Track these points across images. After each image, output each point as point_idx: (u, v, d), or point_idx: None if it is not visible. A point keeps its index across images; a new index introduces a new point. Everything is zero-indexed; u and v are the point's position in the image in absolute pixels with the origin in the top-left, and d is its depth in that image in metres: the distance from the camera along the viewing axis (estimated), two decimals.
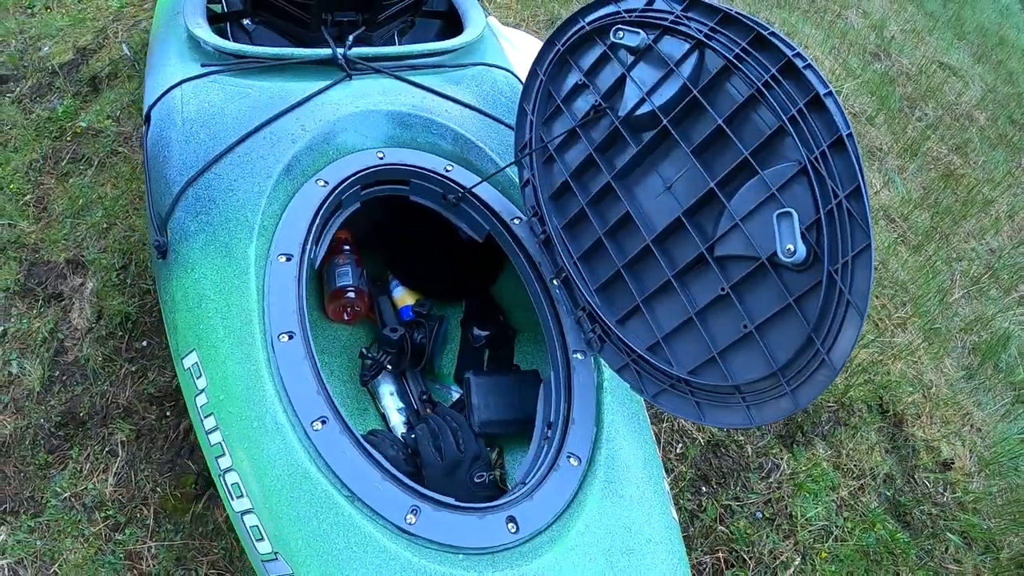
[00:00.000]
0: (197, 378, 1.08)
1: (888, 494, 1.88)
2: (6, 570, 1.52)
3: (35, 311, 1.94)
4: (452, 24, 1.89)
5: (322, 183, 1.23)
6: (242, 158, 1.22)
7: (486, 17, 2.10)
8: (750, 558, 1.64)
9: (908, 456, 1.99)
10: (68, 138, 2.42)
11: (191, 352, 1.10)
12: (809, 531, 1.72)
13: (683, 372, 0.96)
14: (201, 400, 1.07)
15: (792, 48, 0.87)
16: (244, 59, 1.41)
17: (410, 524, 0.89)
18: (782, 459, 1.83)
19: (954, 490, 1.94)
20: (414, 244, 1.55)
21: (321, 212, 1.19)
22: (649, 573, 0.92)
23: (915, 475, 1.96)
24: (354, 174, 1.25)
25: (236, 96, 1.33)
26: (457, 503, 0.93)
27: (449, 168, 1.32)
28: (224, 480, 1.02)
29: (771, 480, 1.79)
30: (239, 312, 1.06)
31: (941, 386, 2.20)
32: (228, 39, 1.93)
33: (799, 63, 0.85)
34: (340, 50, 1.40)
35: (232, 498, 1.00)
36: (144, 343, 1.82)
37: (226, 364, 1.04)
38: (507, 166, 1.28)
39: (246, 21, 1.94)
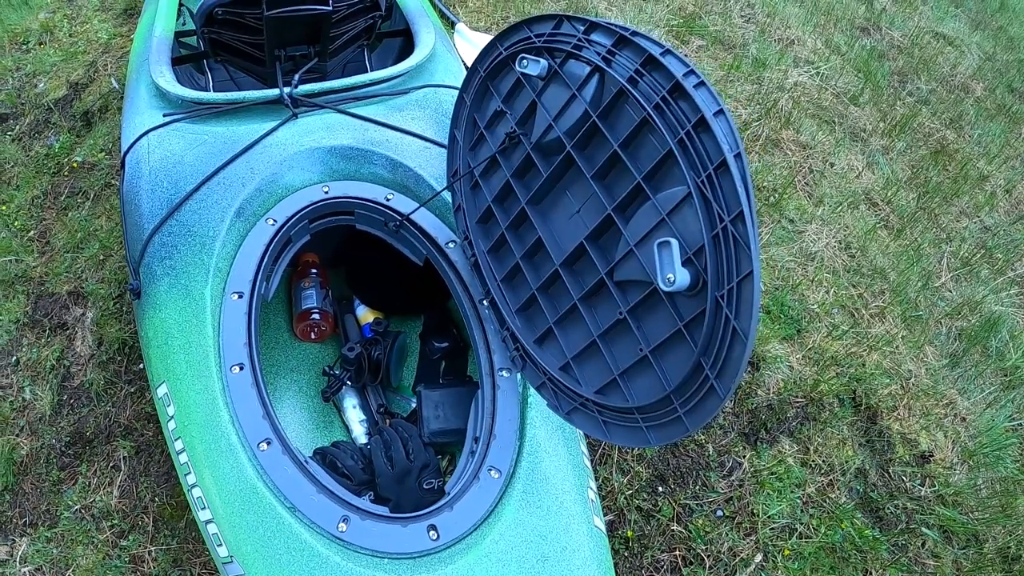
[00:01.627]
0: (167, 406, 1.22)
1: (859, 489, 1.89)
2: None
3: (43, 341, 2.11)
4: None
5: (271, 222, 1.35)
6: (199, 204, 1.35)
7: (457, 23, 2.17)
8: (708, 556, 1.70)
9: (883, 450, 1.99)
10: (65, 173, 2.57)
11: (162, 383, 1.24)
12: (771, 529, 1.76)
13: (590, 392, 1.04)
14: (171, 425, 1.21)
15: (685, 66, 0.89)
16: (202, 105, 1.52)
17: (341, 532, 1.01)
18: (744, 457, 1.87)
19: (933, 483, 1.93)
20: (370, 266, 1.67)
21: (270, 250, 1.30)
22: None
23: (889, 469, 1.97)
24: (301, 210, 1.37)
25: (194, 144, 1.46)
26: (384, 513, 1.05)
27: (389, 197, 1.42)
28: (191, 493, 1.16)
29: (732, 479, 1.84)
30: (198, 347, 1.19)
31: (921, 376, 2.20)
32: (202, 78, 2.04)
33: (689, 82, 0.87)
34: (287, 90, 1.50)
35: (198, 509, 1.15)
36: (140, 366, 1.97)
37: (188, 394, 1.18)
38: (438, 193, 1.38)
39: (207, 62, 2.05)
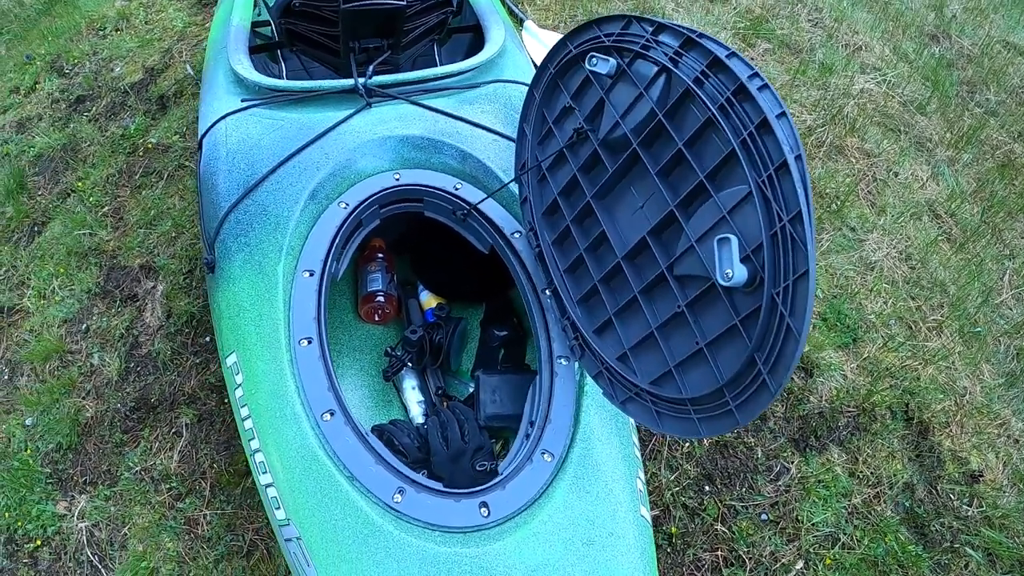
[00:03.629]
0: (236, 375, 1.29)
1: (906, 504, 1.87)
2: (84, 531, 1.79)
3: (113, 311, 2.23)
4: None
5: (344, 205, 1.41)
6: (275, 185, 1.42)
7: (526, 20, 2.19)
8: (749, 558, 1.71)
9: (932, 466, 1.96)
10: (140, 153, 2.71)
11: (232, 353, 1.31)
12: (814, 536, 1.76)
13: (645, 383, 1.07)
14: (238, 393, 1.28)
15: (749, 69, 0.91)
16: (279, 92, 1.59)
17: (396, 503, 1.06)
18: (792, 463, 1.87)
19: (981, 504, 1.89)
20: (436, 253, 1.72)
21: (342, 231, 1.36)
22: (607, 564, 1.05)
23: (938, 486, 1.93)
24: (372, 195, 1.42)
25: (271, 128, 1.53)
26: (439, 488, 1.09)
27: (458, 186, 1.47)
28: (254, 459, 1.22)
29: (779, 483, 1.84)
30: (269, 321, 1.26)
31: (976, 393, 2.15)
32: (275, 67, 2.12)
33: (753, 85, 0.89)
34: (361, 80, 1.56)
35: (259, 473, 1.21)
36: (207, 339, 2.07)
37: (257, 364, 1.25)
38: (506, 184, 1.42)
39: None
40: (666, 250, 1.07)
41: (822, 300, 2.23)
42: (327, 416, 1.16)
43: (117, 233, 2.47)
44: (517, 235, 1.41)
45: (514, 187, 1.45)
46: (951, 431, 2.05)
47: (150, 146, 2.70)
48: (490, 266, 1.56)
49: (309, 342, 1.23)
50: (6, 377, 2.20)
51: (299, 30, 1.75)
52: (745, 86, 0.89)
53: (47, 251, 2.48)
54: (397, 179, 1.47)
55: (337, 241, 1.36)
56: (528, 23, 2.73)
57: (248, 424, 1.24)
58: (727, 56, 0.94)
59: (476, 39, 2.12)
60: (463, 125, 1.54)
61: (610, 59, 1.12)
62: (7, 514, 1.83)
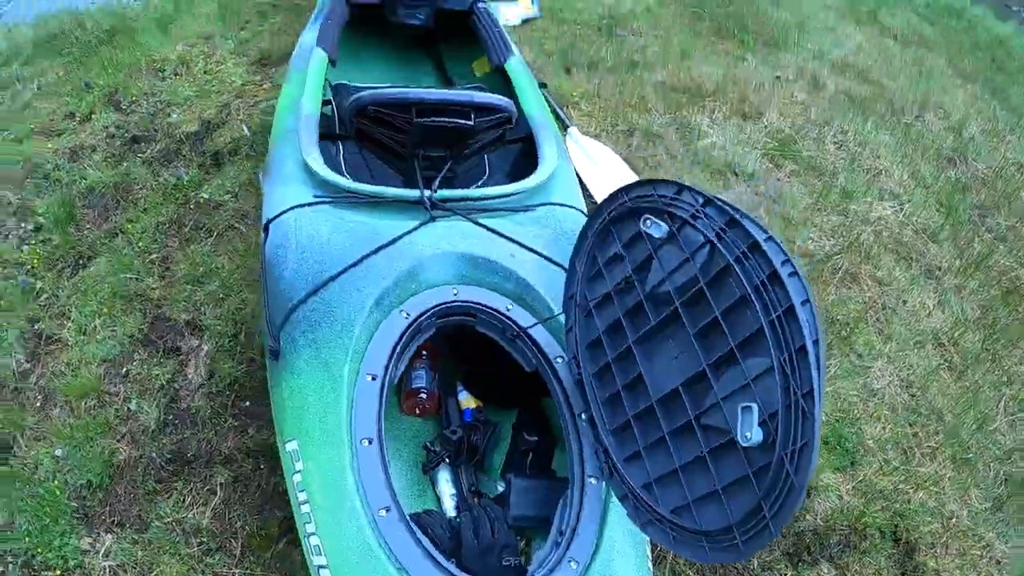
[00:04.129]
0: (295, 461, 1.52)
1: None
2: (108, 570, 1.96)
3: (155, 360, 2.45)
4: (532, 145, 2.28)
5: (405, 315, 1.66)
6: (343, 288, 1.66)
7: (570, 127, 2.47)
8: None
9: None
10: (191, 206, 2.97)
11: (292, 440, 1.55)
12: None
13: (665, 511, 1.31)
14: (296, 478, 1.51)
15: (783, 255, 1.15)
16: (349, 194, 1.85)
17: None
18: (785, 574, 2.10)
19: None
20: (480, 361, 1.94)
21: (402, 340, 1.61)
22: None
23: None
24: (431, 308, 1.67)
25: (339, 229, 1.78)
26: None
27: (509, 307, 1.73)
28: (308, 541, 1.45)
29: None
30: (333, 418, 1.50)
31: (963, 517, 2.37)
32: (333, 147, 2.39)
33: (785, 271, 1.13)
34: (427, 192, 1.83)
35: (312, 554, 1.43)
36: (247, 403, 2.29)
37: (319, 456, 1.48)
38: (554, 316, 1.68)
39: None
40: (695, 400, 1.32)
41: (825, 424, 2.48)
42: (383, 512, 1.39)
43: (163, 282, 2.70)
44: (560, 360, 1.66)
45: (561, 316, 1.69)
46: (936, 552, 2.27)
47: (202, 200, 2.97)
48: (526, 376, 1.78)
49: (370, 442, 1.47)
50: (39, 404, 2.39)
51: (369, 131, 2.01)
52: (778, 273, 1.14)
53: (91, 287, 2.71)
54: (455, 294, 1.72)
55: (398, 349, 1.61)
56: (572, 129, 3.04)
57: (305, 509, 1.46)
58: (765, 240, 1.19)
59: (525, 147, 2.39)
60: (517, 248, 1.79)
61: (663, 224, 1.37)
62: (27, 539, 1.99)
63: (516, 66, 2.62)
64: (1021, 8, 8.99)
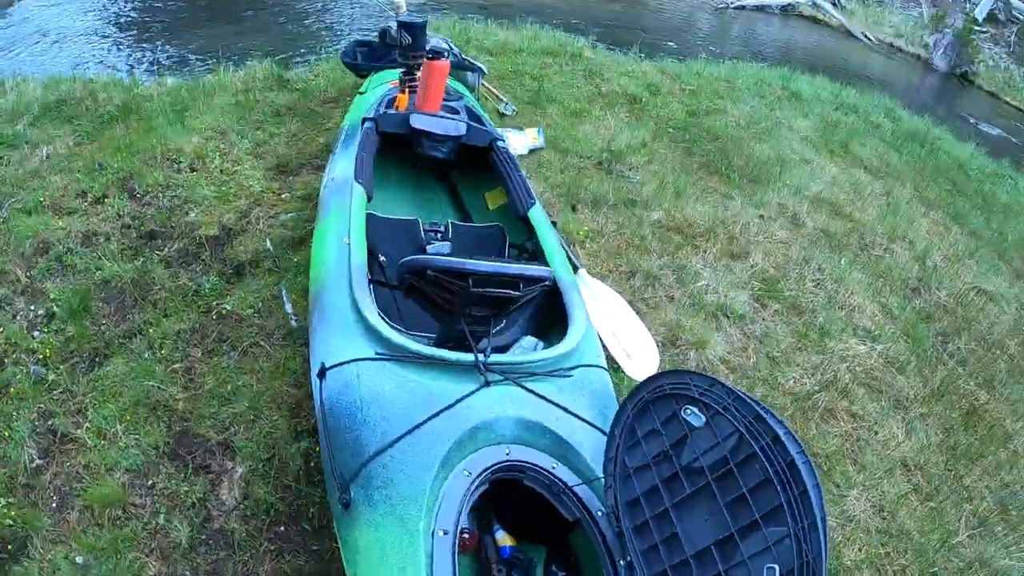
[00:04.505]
0: None
1: None
2: None
3: (183, 476, 2.61)
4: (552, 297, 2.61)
5: (467, 473, 1.93)
6: (411, 447, 1.93)
7: (580, 269, 2.83)
8: None
9: None
10: (213, 316, 3.17)
11: None
12: None
13: None
14: None
15: (798, 447, 1.52)
16: (410, 354, 2.13)
17: None
18: None
19: None
20: (518, 503, 2.18)
21: (467, 497, 1.89)
22: None
23: None
24: (488, 467, 1.95)
25: (402, 388, 2.06)
26: None
27: (554, 466, 2.02)
28: None
29: None
30: (413, 570, 1.74)
31: None
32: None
33: (800, 459, 1.50)
34: (481, 358, 2.12)
35: None
36: (282, 528, 2.49)
37: None
38: (597, 478, 2.00)
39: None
40: (724, 556, 1.65)
41: None
42: None
43: (188, 394, 2.87)
44: (600, 513, 1.98)
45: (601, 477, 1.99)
46: None
47: (224, 312, 3.17)
48: (560, 518, 2.04)
49: None
50: (55, 505, 2.51)
51: (421, 287, 2.31)
52: (795, 462, 1.51)
53: (108, 388, 2.86)
54: (507, 453, 2.00)
55: (465, 506, 1.88)
56: (582, 271, 3.42)
57: None
58: (784, 434, 1.56)
59: (546, 297, 2.66)
60: (561, 412, 2.09)
61: (702, 416, 1.74)
62: None
63: (538, 215, 2.98)
64: (977, 120, 10.07)
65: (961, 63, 12.32)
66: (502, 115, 5.09)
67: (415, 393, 2.06)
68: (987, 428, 3.69)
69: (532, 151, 4.68)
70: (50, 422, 2.76)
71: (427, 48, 3.38)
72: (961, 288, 4.66)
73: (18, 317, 3.19)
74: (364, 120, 3.21)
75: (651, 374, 2.92)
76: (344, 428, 2.03)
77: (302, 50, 7.43)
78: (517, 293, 2.24)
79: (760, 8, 13.63)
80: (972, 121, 10.17)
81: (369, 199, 2.84)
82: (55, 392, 2.88)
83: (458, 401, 2.01)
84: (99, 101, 4.85)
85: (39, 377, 2.92)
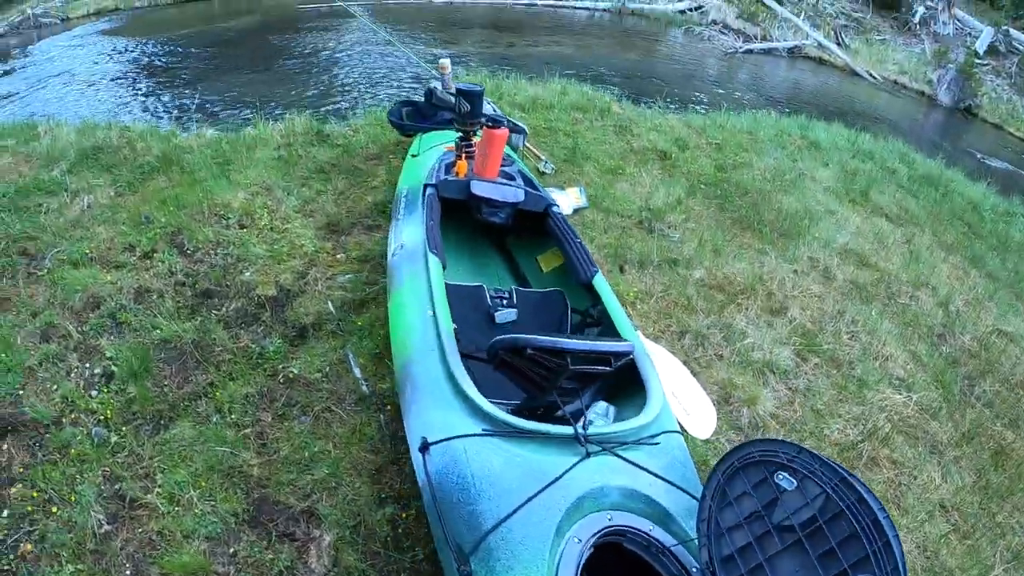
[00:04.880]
0: None
1: None
2: None
3: (267, 544, 2.76)
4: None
5: (576, 540, 2.17)
6: (526, 520, 2.15)
7: (636, 331, 3.14)
8: None
9: None
10: (280, 380, 3.36)
11: None
12: None
13: None
14: None
15: (878, 504, 1.80)
16: (514, 429, 2.36)
17: None
18: None
19: None
20: (616, 567, 2.40)
21: (580, 563, 2.12)
22: None
23: None
24: (594, 533, 2.20)
25: (509, 463, 2.28)
26: None
27: (651, 528, 2.27)
28: None
29: None
30: None
31: None
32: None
33: (881, 515, 1.79)
34: (581, 430, 2.37)
35: None
36: None
37: None
38: (692, 539, 2.26)
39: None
40: None
41: None
42: None
43: (262, 460, 3.03)
44: (695, 570, 2.24)
45: (692, 531, 2.24)
46: None
47: (292, 376, 3.38)
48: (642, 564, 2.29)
49: None
50: (128, 573, 2.61)
51: (513, 361, 2.56)
52: (878, 518, 1.80)
53: (177, 452, 2.98)
54: (609, 519, 2.25)
55: (578, 571, 2.11)
56: (638, 333, 3.69)
57: None
58: (867, 493, 1.85)
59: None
60: (652, 477, 2.35)
61: (793, 481, 2.03)
62: None
63: (602, 283, 3.25)
64: (984, 155, 10.58)
65: (965, 97, 12.96)
66: (542, 173, 5.37)
67: (523, 467, 2.29)
68: (1015, 466, 4.00)
69: (576, 211, 4.94)
70: (117, 486, 2.87)
71: (486, 116, 3.65)
72: (983, 331, 5.01)
73: (72, 374, 3.31)
74: (426, 187, 3.48)
75: (712, 431, 3.22)
76: (457, 503, 2.25)
77: (336, 100, 7.71)
78: (609, 369, 2.51)
79: (768, 51, 14.33)
80: (979, 157, 10.69)
81: (443, 268, 3.07)
82: (119, 455, 2.99)
83: (565, 472, 2.26)
84: (137, 151, 5.05)
85: (102, 439, 3.02)
